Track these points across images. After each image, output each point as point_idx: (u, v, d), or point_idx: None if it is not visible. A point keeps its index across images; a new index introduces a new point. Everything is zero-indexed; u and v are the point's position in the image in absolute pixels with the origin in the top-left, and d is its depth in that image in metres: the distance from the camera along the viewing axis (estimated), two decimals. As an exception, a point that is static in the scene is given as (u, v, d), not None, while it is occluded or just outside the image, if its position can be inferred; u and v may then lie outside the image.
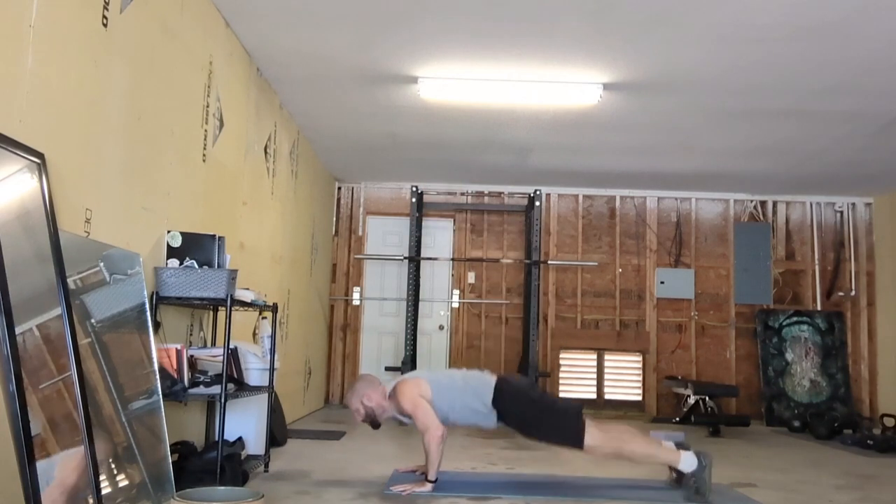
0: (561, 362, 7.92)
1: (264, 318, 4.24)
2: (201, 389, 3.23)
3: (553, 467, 4.51)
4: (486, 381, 3.79)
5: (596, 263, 7.93)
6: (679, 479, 3.76)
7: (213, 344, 3.93)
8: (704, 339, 7.93)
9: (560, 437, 3.72)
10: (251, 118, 4.79)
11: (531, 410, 3.75)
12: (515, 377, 3.91)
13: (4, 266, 2.07)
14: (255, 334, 4.80)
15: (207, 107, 3.98)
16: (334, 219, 8.09)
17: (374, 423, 3.82)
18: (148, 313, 2.97)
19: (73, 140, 2.66)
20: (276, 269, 5.56)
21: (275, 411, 4.50)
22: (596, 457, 3.72)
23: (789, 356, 7.72)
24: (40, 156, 2.37)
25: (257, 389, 3.79)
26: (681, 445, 3.74)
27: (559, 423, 3.71)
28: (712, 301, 7.98)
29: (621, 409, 7.83)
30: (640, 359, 7.95)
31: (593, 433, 3.62)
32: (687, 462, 3.63)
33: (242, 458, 3.64)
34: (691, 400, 7.05)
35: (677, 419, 7.27)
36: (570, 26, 4.13)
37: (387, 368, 7.43)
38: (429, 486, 3.57)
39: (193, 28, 3.74)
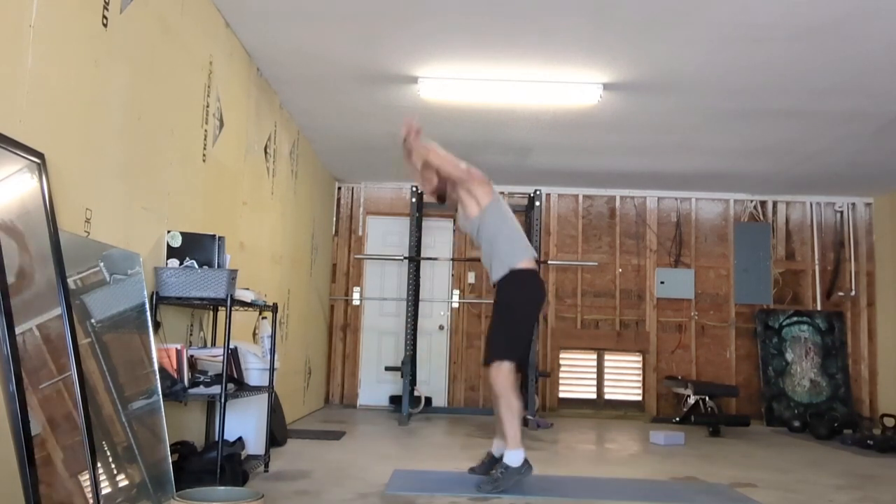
0: (561, 362, 7.92)
1: (264, 318, 4.24)
2: (201, 389, 3.23)
3: (553, 467, 4.51)
4: (522, 252, 3.87)
5: (596, 263, 7.93)
6: (487, 464, 3.86)
7: (213, 344, 3.93)
8: (704, 339, 7.93)
9: (491, 346, 3.89)
10: (251, 118, 4.80)
11: (504, 317, 3.89)
12: (527, 287, 3.94)
13: (4, 266, 2.07)
14: (255, 334, 4.80)
15: (207, 107, 3.98)
16: (334, 219, 8.09)
17: (442, 195, 3.97)
18: (148, 313, 2.97)
19: (73, 140, 2.66)
20: (276, 269, 5.56)
21: (275, 411, 4.50)
22: (488, 385, 3.88)
23: (789, 356, 7.72)
24: (40, 156, 2.37)
25: (257, 389, 3.79)
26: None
27: (501, 340, 3.86)
28: (712, 301, 7.98)
29: (621, 409, 7.83)
30: (640, 359, 7.95)
31: (507, 376, 3.78)
32: (513, 457, 3.68)
33: (242, 458, 3.64)
34: (691, 400, 7.05)
35: (677, 419, 7.27)
36: (570, 26, 4.13)
37: (387, 368, 7.44)
38: (411, 132, 3.82)
39: (193, 28, 3.74)
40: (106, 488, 2.41)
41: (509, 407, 3.76)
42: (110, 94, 2.90)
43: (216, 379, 3.26)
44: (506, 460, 3.69)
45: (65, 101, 2.59)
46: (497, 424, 3.92)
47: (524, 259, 3.88)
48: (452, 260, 7.97)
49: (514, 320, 3.86)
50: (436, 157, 3.87)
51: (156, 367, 2.94)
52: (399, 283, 7.89)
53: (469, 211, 3.92)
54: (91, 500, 2.29)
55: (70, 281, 2.44)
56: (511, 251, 3.86)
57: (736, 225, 8.06)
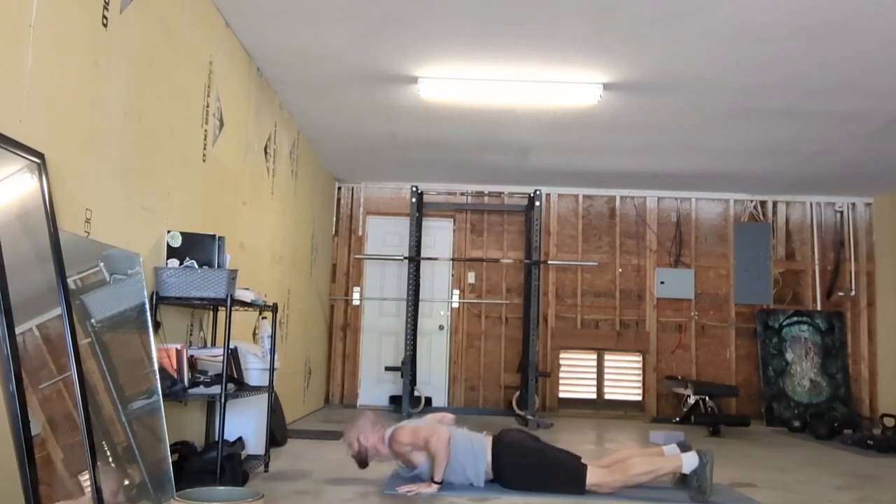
0: (561, 362, 7.92)
1: (264, 318, 4.24)
2: (201, 389, 3.23)
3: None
4: (481, 448, 3.75)
5: (596, 263, 7.93)
6: (682, 479, 3.77)
7: (213, 344, 3.93)
8: (704, 339, 7.93)
9: (562, 486, 3.66)
10: (251, 118, 4.79)
11: (530, 470, 3.71)
12: (510, 436, 3.85)
13: (4, 266, 2.07)
14: (255, 334, 4.80)
15: (207, 107, 3.98)
16: (334, 219, 8.09)
17: (363, 462, 3.76)
18: (148, 313, 2.97)
19: (73, 140, 2.66)
20: (276, 269, 5.56)
21: (275, 411, 4.50)
22: (606, 492, 3.64)
23: (789, 356, 7.72)
24: (40, 156, 2.37)
25: (257, 389, 3.79)
26: (682, 446, 3.74)
27: (559, 474, 3.66)
28: (712, 301, 7.98)
29: (621, 409, 7.83)
30: (640, 359, 7.95)
31: (594, 472, 3.62)
32: (689, 462, 3.64)
33: (242, 458, 3.64)
34: (691, 400, 7.05)
35: (677, 419, 7.27)
36: (570, 26, 4.13)
37: (387, 368, 7.44)
38: (434, 488, 3.56)
39: (193, 28, 3.74)
40: (106, 488, 2.41)
41: (639, 477, 3.63)
42: (110, 94, 2.90)
43: (216, 379, 3.26)
44: (687, 470, 3.61)
45: (65, 102, 2.59)
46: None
47: (482, 457, 3.75)
48: (452, 260, 7.97)
49: (539, 463, 3.72)
50: (427, 431, 3.68)
51: (156, 367, 2.94)
52: (399, 283, 7.89)
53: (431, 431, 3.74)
54: (91, 501, 2.29)
55: (70, 281, 2.44)
56: (475, 465, 3.73)
57: (736, 225, 8.06)
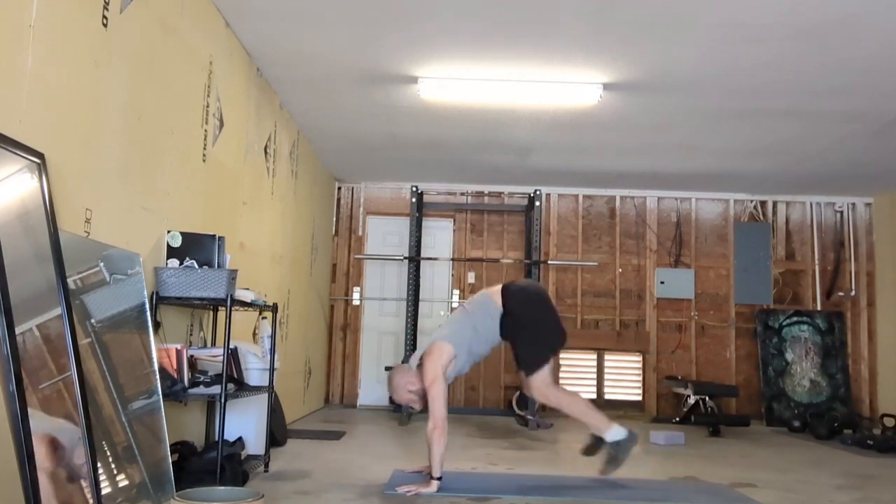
0: (561, 362, 7.92)
1: (264, 318, 4.24)
2: (201, 389, 3.23)
3: (553, 467, 4.51)
4: (491, 319, 3.86)
5: (596, 263, 7.93)
6: (595, 444, 3.88)
7: (213, 344, 3.93)
8: (704, 339, 7.94)
9: (523, 358, 3.88)
10: (251, 118, 4.79)
11: (522, 333, 3.88)
12: (521, 291, 3.96)
13: (4, 266, 2.07)
14: (255, 334, 4.80)
15: (207, 107, 3.98)
16: (334, 219, 8.09)
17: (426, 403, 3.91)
18: (148, 313, 2.97)
19: (73, 140, 2.66)
20: (276, 269, 5.56)
21: (275, 411, 4.50)
22: (537, 396, 3.84)
23: (789, 356, 7.72)
24: (40, 156, 2.37)
25: (257, 389, 3.79)
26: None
27: (531, 350, 3.85)
28: (712, 301, 7.98)
29: (621, 409, 7.82)
30: (640, 359, 7.95)
31: (545, 379, 3.78)
32: (616, 433, 3.72)
33: (242, 458, 3.64)
34: (691, 400, 7.05)
35: (677, 419, 7.27)
36: (570, 26, 4.13)
37: (387, 368, 7.42)
38: (434, 486, 3.58)
39: (193, 28, 3.74)
40: (106, 488, 2.41)
41: (570, 407, 3.80)
42: (110, 94, 2.90)
43: (216, 379, 3.26)
44: (610, 439, 3.74)
45: (65, 101, 2.59)
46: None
47: (492, 331, 3.89)
48: (452, 260, 7.97)
49: (536, 329, 3.87)
50: (434, 399, 3.86)
51: (156, 367, 2.94)
52: (399, 283, 7.89)
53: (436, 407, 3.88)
54: (91, 501, 2.29)
55: (70, 281, 2.44)
56: (486, 343, 3.91)
57: (736, 225, 8.06)
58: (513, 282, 4.09)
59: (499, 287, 3.98)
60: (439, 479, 3.60)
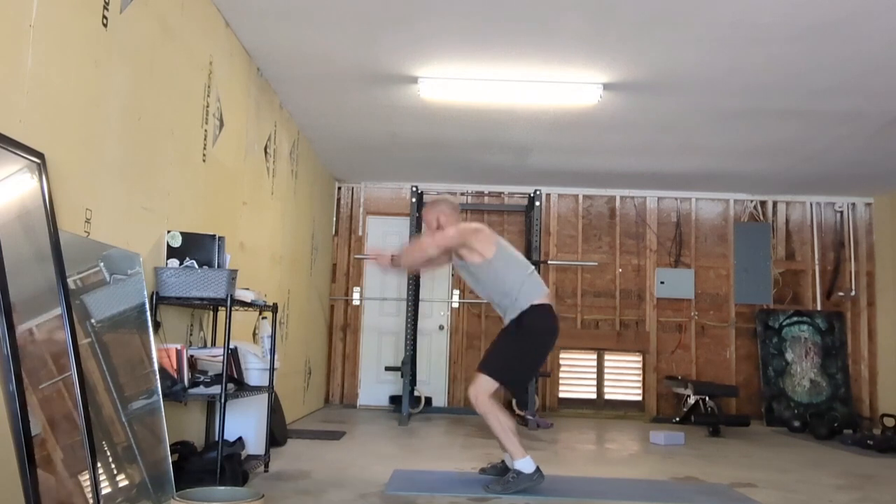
0: (561, 362, 7.92)
1: (264, 318, 4.24)
2: (201, 389, 3.23)
3: (553, 467, 4.51)
4: (531, 292, 3.84)
5: (596, 263, 7.93)
6: (500, 469, 3.88)
7: (213, 344, 3.93)
8: (704, 339, 7.93)
9: (485, 359, 3.89)
10: (251, 118, 4.79)
11: (511, 343, 3.85)
12: (554, 323, 3.95)
13: (4, 266, 2.07)
14: (255, 334, 4.80)
15: (207, 107, 3.98)
16: (334, 219, 8.09)
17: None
18: (148, 313, 2.97)
19: (73, 140, 2.66)
20: (276, 269, 5.56)
21: (275, 411, 4.50)
22: (470, 393, 3.81)
23: (789, 356, 7.72)
24: (40, 156, 2.37)
25: (257, 389, 3.79)
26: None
27: (497, 360, 3.84)
28: (712, 301, 7.97)
29: (621, 409, 7.83)
30: (640, 359, 7.95)
31: (489, 388, 3.76)
32: (524, 464, 3.68)
33: (242, 458, 3.64)
34: (691, 400, 7.05)
35: (677, 419, 7.27)
36: (570, 26, 4.13)
37: (387, 368, 7.44)
38: (387, 261, 3.91)
39: (193, 28, 3.74)
40: (106, 488, 2.41)
41: (497, 424, 3.75)
42: (110, 94, 2.90)
43: (216, 379, 3.26)
44: (517, 467, 3.69)
45: (65, 101, 2.59)
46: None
47: (540, 296, 3.86)
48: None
49: (520, 350, 3.84)
50: (432, 241, 3.87)
51: (156, 367, 2.94)
52: (399, 283, 7.88)
53: (472, 259, 3.87)
54: (91, 500, 2.29)
55: (70, 281, 2.44)
56: (525, 294, 3.82)
57: (736, 225, 8.06)
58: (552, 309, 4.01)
59: (544, 288, 3.95)
60: (395, 265, 3.93)
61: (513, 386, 3.91)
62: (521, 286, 3.81)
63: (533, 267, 4.05)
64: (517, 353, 3.84)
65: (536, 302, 3.81)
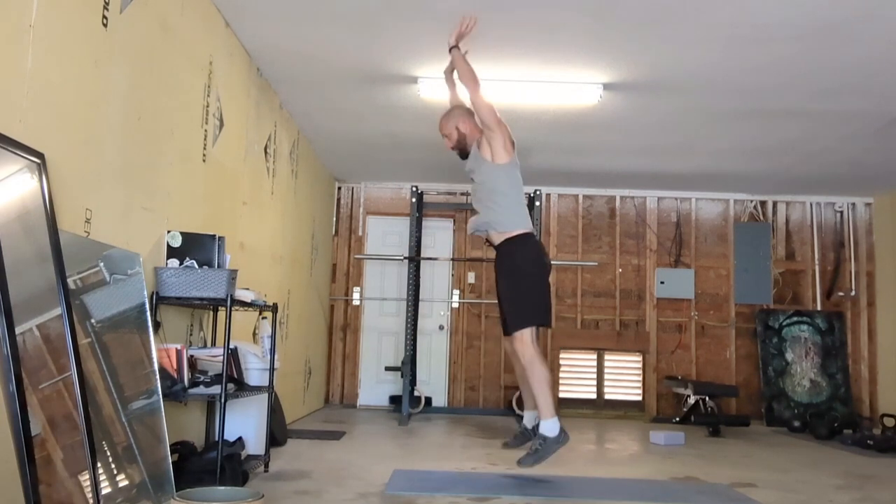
0: (561, 362, 7.92)
1: (264, 318, 4.24)
2: (201, 389, 3.23)
3: (553, 467, 4.51)
4: (521, 218, 3.87)
5: (596, 263, 7.93)
6: (520, 437, 3.88)
7: (213, 344, 3.93)
8: (704, 339, 7.93)
9: (510, 315, 3.81)
10: (251, 118, 4.79)
11: (518, 282, 3.83)
12: (536, 252, 3.94)
13: (4, 266, 2.07)
14: (255, 334, 4.80)
15: (207, 107, 3.98)
16: (334, 219, 8.09)
17: (463, 151, 3.95)
18: (148, 313, 2.97)
19: (73, 140, 2.66)
20: (276, 269, 5.56)
21: (275, 411, 4.50)
22: (511, 357, 3.81)
23: (789, 356, 7.72)
24: (40, 156, 2.37)
25: (257, 389, 3.79)
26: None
27: (520, 307, 3.79)
28: (712, 301, 7.97)
29: (621, 409, 7.83)
30: (640, 359, 7.95)
31: (531, 344, 3.72)
32: (550, 426, 3.65)
33: (242, 458, 3.64)
34: (691, 400, 7.05)
35: (677, 419, 7.27)
36: (570, 26, 4.13)
37: (387, 368, 7.44)
38: (454, 38, 3.77)
39: (193, 28, 3.74)
40: (106, 488, 2.41)
41: (538, 376, 3.71)
42: (110, 94, 2.90)
43: (216, 379, 3.26)
44: (542, 431, 3.67)
45: (65, 101, 2.59)
46: (526, 395, 3.89)
47: (529, 228, 3.90)
48: (452, 260, 7.97)
49: (528, 284, 3.84)
50: (480, 98, 3.78)
51: (156, 367, 2.94)
52: (399, 283, 7.88)
53: (483, 154, 3.88)
54: (91, 500, 2.29)
55: (70, 281, 2.44)
56: (519, 216, 3.86)
57: (736, 225, 8.06)
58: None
59: (531, 225, 3.96)
60: (453, 50, 3.77)
61: (546, 319, 3.88)
62: (516, 206, 3.85)
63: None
64: (530, 290, 3.83)
65: (523, 230, 3.84)
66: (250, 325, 4.72)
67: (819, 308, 7.91)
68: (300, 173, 6.26)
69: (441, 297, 8.01)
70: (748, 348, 7.87)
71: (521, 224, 3.86)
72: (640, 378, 7.92)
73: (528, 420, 3.92)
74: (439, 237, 8.06)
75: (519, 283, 3.84)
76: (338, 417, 6.83)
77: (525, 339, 3.73)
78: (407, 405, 6.71)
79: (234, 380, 3.48)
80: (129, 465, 2.62)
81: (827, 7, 3.78)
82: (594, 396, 7.91)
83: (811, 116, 5.47)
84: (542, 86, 4.98)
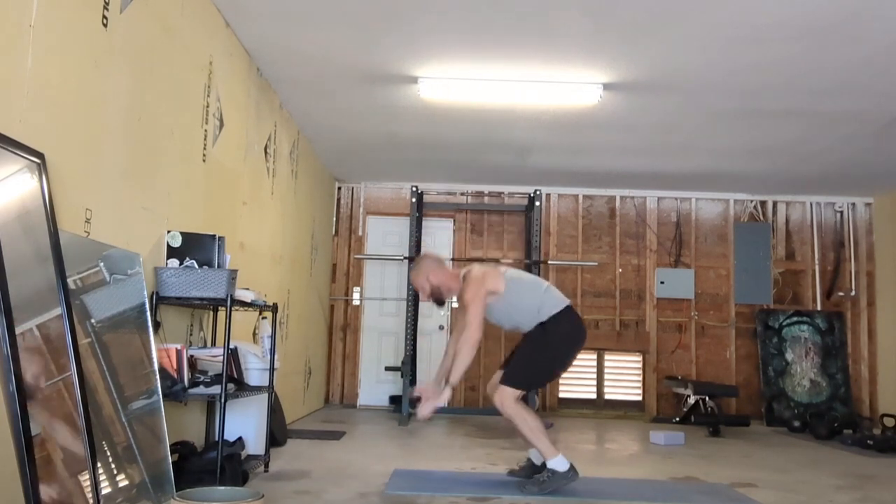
0: (561, 362, 7.91)
1: (264, 318, 4.24)
2: (201, 389, 3.23)
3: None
4: (536, 309, 3.81)
5: (596, 263, 7.93)
6: (527, 469, 3.85)
7: (213, 344, 3.93)
8: (704, 339, 7.93)
9: (508, 371, 3.85)
10: (251, 118, 4.79)
11: (536, 354, 3.83)
12: (579, 326, 3.90)
13: (4, 266, 2.07)
14: (255, 334, 4.80)
15: (207, 107, 3.98)
16: (334, 219, 8.09)
17: (440, 300, 3.90)
18: (148, 313, 2.97)
19: (73, 140, 2.66)
20: (276, 269, 5.56)
21: (275, 411, 4.50)
22: (495, 400, 3.84)
23: (789, 356, 7.72)
24: (40, 156, 2.37)
25: (257, 389, 3.79)
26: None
27: (520, 372, 3.84)
28: (712, 301, 7.97)
29: (621, 409, 7.83)
30: (640, 359, 7.95)
31: (512, 400, 3.77)
32: (557, 463, 3.66)
33: (242, 458, 3.64)
34: (691, 400, 7.05)
35: (677, 419, 7.27)
36: (570, 26, 4.13)
37: (387, 368, 7.43)
38: (447, 394, 3.68)
39: (193, 28, 3.74)
40: (106, 488, 2.41)
41: (525, 426, 3.73)
42: (110, 95, 2.90)
43: (216, 379, 3.26)
44: (551, 466, 3.67)
45: (65, 102, 2.59)
46: (521, 437, 3.88)
47: (559, 307, 3.83)
48: (453, 260, 7.97)
49: (547, 358, 3.84)
50: (474, 312, 3.75)
51: (156, 367, 2.94)
52: (399, 283, 7.88)
53: (489, 300, 3.84)
54: (91, 500, 2.29)
55: (70, 281, 2.44)
56: (545, 306, 3.80)
57: (736, 225, 8.06)
58: (576, 312, 3.98)
59: (563, 298, 3.90)
60: (454, 385, 3.69)
61: (539, 387, 3.89)
62: (539, 306, 3.80)
63: (548, 283, 4.02)
64: (541, 361, 3.83)
65: (556, 311, 3.80)
66: (250, 325, 4.72)
67: (819, 308, 7.91)
68: (300, 173, 6.26)
69: (441, 297, 8.00)
70: (748, 348, 7.87)
71: (547, 311, 3.80)
72: (640, 378, 7.92)
73: (534, 457, 3.91)
74: (439, 237, 8.06)
75: (538, 353, 3.83)
76: (338, 417, 6.83)
77: (507, 393, 3.76)
78: (407, 405, 6.71)
79: (234, 380, 3.48)
80: (129, 465, 2.62)
81: (827, 7, 3.78)
82: (594, 396, 7.91)
83: (811, 116, 5.47)
84: (541, 86, 4.98)
